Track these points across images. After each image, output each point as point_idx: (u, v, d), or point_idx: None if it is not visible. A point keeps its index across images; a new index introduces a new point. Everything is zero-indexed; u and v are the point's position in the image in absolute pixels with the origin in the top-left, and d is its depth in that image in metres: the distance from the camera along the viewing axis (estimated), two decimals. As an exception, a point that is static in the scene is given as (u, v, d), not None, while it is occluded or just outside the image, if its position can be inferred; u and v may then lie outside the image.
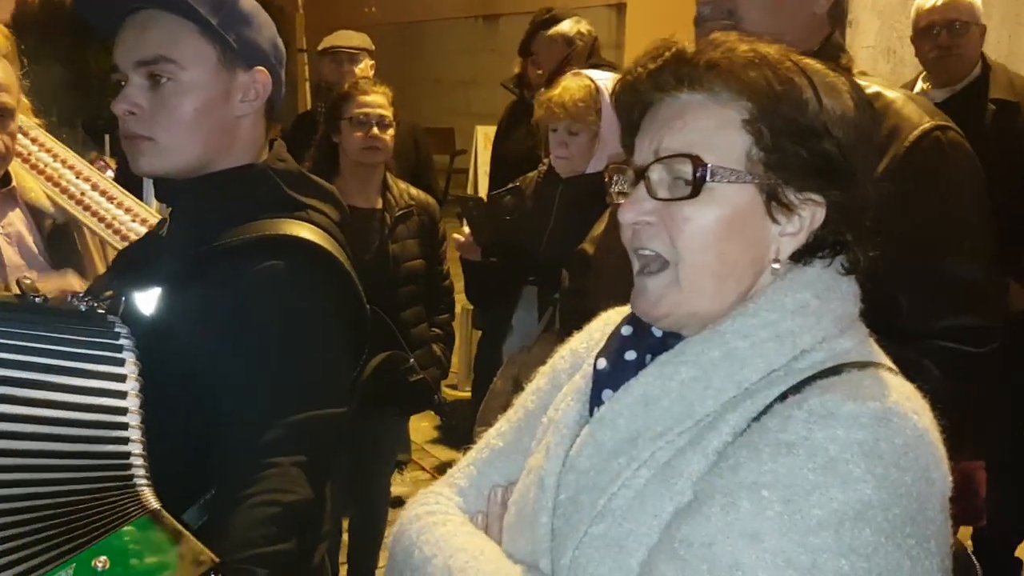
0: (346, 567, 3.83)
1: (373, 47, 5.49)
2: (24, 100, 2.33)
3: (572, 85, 3.26)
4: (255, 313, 1.51)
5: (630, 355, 1.29)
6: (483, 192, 6.89)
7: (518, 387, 3.14)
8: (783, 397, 1.13)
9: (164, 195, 1.75)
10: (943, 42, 3.89)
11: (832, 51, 1.92)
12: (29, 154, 2.40)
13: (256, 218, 1.59)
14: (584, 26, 5.29)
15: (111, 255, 2.38)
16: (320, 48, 5.50)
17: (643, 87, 1.26)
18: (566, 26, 5.27)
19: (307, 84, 8.74)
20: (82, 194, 2.38)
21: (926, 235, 1.77)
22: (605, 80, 3.24)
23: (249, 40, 1.65)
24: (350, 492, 3.67)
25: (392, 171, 3.84)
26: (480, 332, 4.25)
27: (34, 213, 2.31)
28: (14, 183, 2.28)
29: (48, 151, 2.44)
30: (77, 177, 2.41)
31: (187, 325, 1.50)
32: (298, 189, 1.68)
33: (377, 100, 3.69)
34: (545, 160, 3.50)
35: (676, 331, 1.26)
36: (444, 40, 15.37)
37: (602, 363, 1.30)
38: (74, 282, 2.22)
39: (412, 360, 1.89)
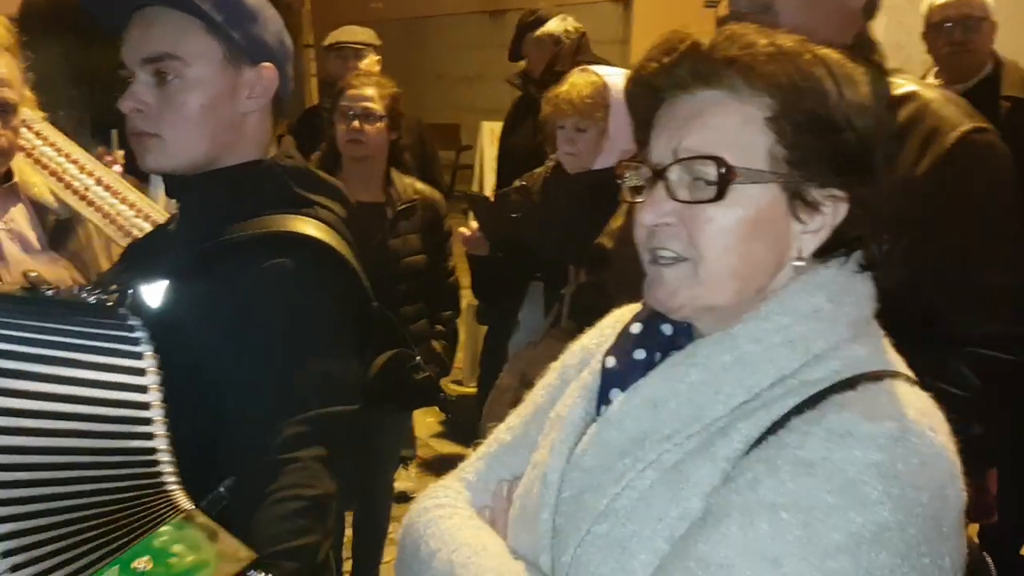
0: (350, 562, 3.83)
1: (379, 42, 5.48)
2: (28, 94, 2.32)
3: (579, 82, 3.25)
4: (264, 310, 1.50)
5: (639, 354, 1.28)
6: (489, 188, 6.88)
7: (524, 383, 3.15)
8: (799, 410, 1.12)
9: (172, 190, 1.75)
10: (957, 38, 3.86)
11: (865, 46, 1.89)
12: (33, 148, 2.39)
13: (262, 214, 1.59)
14: (570, 23, 5.28)
15: (115, 251, 2.37)
16: (326, 44, 5.50)
17: (658, 82, 1.23)
18: (552, 25, 5.28)
19: (313, 79, 8.72)
20: (86, 189, 2.38)
21: (965, 240, 1.75)
22: (613, 76, 3.23)
23: (255, 36, 1.64)
24: (354, 487, 3.67)
25: (403, 165, 3.82)
26: (485, 328, 4.24)
27: (37, 208, 2.30)
28: (16, 178, 2.27)
29: (52, 145, 2.43)
30: (81, 172, 2.40)
31: (193, 320, 1.50)
32: (305, 185, 1.68)
33: (364, 93, 3.66)
34: (552, 156, 3.49)
35: (689, 322, 1.25)
36: (450, 35, 15.35)
37: (611, 362, 1.29)
38: (64, 273, 2.21)
39: (419, 358, 1.88)
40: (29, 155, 2.37)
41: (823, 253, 1.20)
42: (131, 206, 2.41)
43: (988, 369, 1.72)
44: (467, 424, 5.09)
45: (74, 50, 3.26)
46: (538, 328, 3.38)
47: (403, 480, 4.93)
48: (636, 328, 1.31)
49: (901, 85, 1.86)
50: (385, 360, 1.77)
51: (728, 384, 1.16)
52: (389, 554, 3.99)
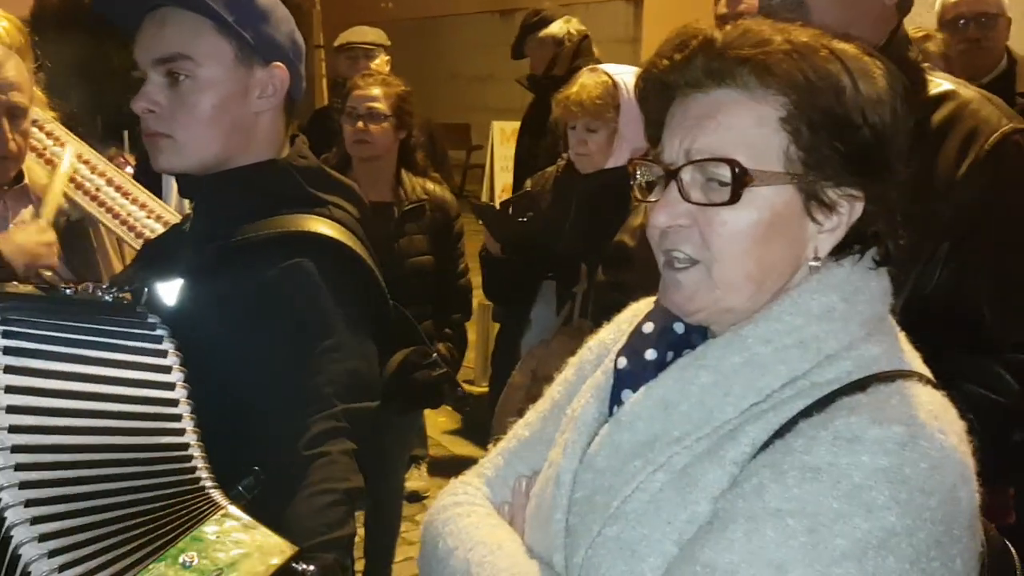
0: (363, 561, 3.83)
1: (389, 43, 5.49)
2: (39, 94, 2.32)
3: (589, 82, 3.24)
4: (286, 310, 1.52)
5: (650, 354, 1.27)
6: (500, 187, 6.89)
7: (536, 381, 3.15)
8: (807, 413, 1.11)
9: (186, 190, 1.76)
10: (971, 35, 3.84)
11: (900, 44, 1.87)
12: (44, 148, 2.39)
13: (277, 214, 1.60)
14: (574, 26, 5.27)
15: (127, 252, 2.37)
16: (336, 44, 5.51)
17: (670, 80, 1.21)
18: (555, 27, 5.29)
19: (324, 80, 8.73)
20: (97, 190, 2.38)
21: (1007, 243, 1.73)
22: (623, 75, 3.22)
23: (266, 36, 1.65)
24: (365, 487, 3.66)
25: (415, 165, 3.81)
26: (497, 327, 4.23)
27: (48, 210, 2.30)
28: (27, 180, 2.28)
29: (63, 146, 2.43)
30: (92, 172, 2.40)
31: (211, 318, 1.52)
32: (319, 185, 1.69)
33: (369, 93, 3.66)
34: (564, 155, 3.48)
35: (706, 326, 1.24)
36: (460, 35, 15.36)
37: (622, 362, 1.28)
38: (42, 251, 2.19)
39: (435, 355, 1.88)
40: (41, 155, 2.38)
41: (838, 251, 1.19)
42: (142, 207, 2.41)
43: None
44: (479, 423, 5.09)
45: (86, 50, 3.26)
46: (550, 327, 3.38)
47: (414, 480, 4.93)
48: (648, 327, 1.30)
49: (938, 84, 1.84)
50: (402, 358, 1.78)
51: (738, 386, 1.15)
52: (401, 554, 3.99)
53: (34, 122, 2.32)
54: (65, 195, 2.34)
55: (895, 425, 1.06)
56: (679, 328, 1.28)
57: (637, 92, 1.29)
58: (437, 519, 1.37)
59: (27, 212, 2.27)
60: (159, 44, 1.60)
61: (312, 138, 1.80)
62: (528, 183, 3.63)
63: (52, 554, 1.26)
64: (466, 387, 5.94)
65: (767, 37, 1.16)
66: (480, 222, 3.59)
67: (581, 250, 3.25)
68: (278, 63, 1.66)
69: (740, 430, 1.14)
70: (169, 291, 1.56)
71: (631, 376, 1.26)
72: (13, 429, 1.32)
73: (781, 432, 1.11)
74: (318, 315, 1.53)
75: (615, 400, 1.27)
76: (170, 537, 1.29)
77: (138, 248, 2.19)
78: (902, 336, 1.23)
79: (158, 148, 1.63)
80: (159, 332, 1.48)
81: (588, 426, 1.28)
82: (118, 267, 2.31)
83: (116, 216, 2.36)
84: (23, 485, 1.29)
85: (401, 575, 4.01)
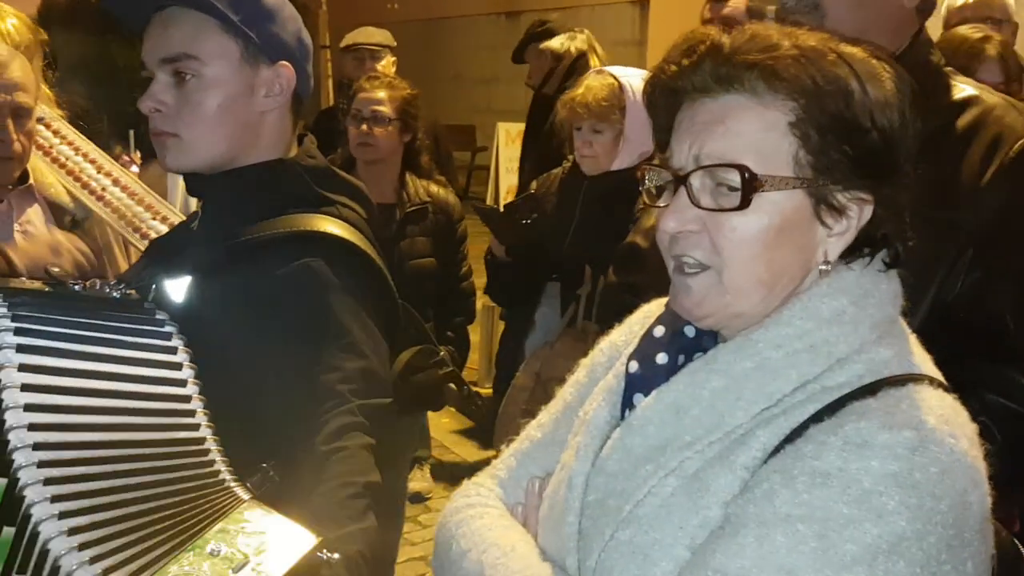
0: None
1: (395, 44, 5.49)
2: (47, 91, 2.32)
3: (595, 84, 3.25)
4: (300, 309, 1.53)
5: (661, 358, 1.27)
6: (505, 189, 6.89)
7: (540, 383, 3.15)
8: (818, 417, 1.11)
9: (194, 189, 1.76)
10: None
11: (922, 49, 1.85)
12: (51, 147, 2.40)
13: (285, 213, 1.61)
14: (576, 44, 5.25)
15: (132, 251, 2.37)
16: (342, 45, 5.52)
17: (678, 85, 1.21)
18: (556, 42, 5.28)
19: (330, 81, 8.74)
20: (103, 189, 2.38)
21: None
22: (629, 77, 3.22)
23: (272, 35, 1.65)
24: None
25: (420, 168, 3.81)
26: (502, 328, 4.23)
27: (53, 209, 2.30)
28: (32, 179, 2.28)
29: (70, 144, 2.43)
30: (98, 172, 2.40)
31: (221, 315, 1.52)
32: (326, 185, 1.69)
33: (374, 96, 3.66)
34: (569, 157, 3.49)
35: (716, 330, 1.24)
36: (466, 37, 15.38)
37: (633, 366, 1.29)
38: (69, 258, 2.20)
39: (443, 353, 1.89)
40: (47, 153, 2.38)
41: (848, 254, 1.19)
42: (148, 207, 2.41)
43: None
44: (483, 425, 5.08)
45: (92, 49, 3.27)
46: (554, 329, 3.38)
47: (417, 481, 4.93)
48: (659, 331, 1.30)
49: (962, 89, 1.83)
50: (408, 357, 1.79)
51: (749, 391, 1.15)
52: (404, 554, 3.98)
53: (40, 120, 2.32)
54: (70, 194, 2.34)
55: (905, 430, 1.06)
56: (690, 332, 1.28)
57: (645, 98, 1.29)
58: (451, 521, 1.37)
59: (32, 211, 2.27)
60: (165, 44, 1.61)
61: (317, 138, 1.81)
62: (533, 185, 3.63)
63: (82, 547, 1.27)
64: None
65: (775, 42, 1.16)
66: (485, 224, 3.59)
67: (585, 252, 3.26)
68: (284, 62, 1.66)
69: (751, 435, 1.14)
70: (177, 288, 1.56)
71: (642, 380, 1.27)
72: (33, 427, 1.32)
73: (792, 437, 1.11)
74: (331, 314, 1.53)
75: (627, 404, 1.27)
76: (195, 529, 1.30)
77: (144, 249, 2.19)
78: (913, 339, 1.23)
79: (165, 147, 1.64)
80: (168, 329, 1.49)
81: (600, 429, 1.29)
82: (124, 268, 2.31)
83: (121, 216, 2.36)
84: (47, 482, 1.29)
85: (403, 575, 4.01)
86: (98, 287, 1.55)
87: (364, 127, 3.61)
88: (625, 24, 11.79)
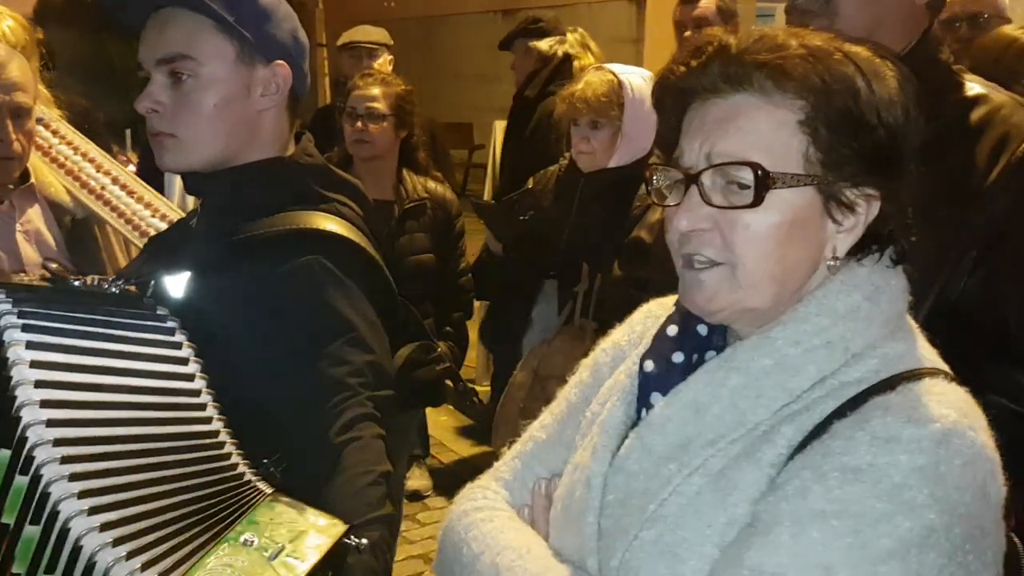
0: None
1: (392, 42, 5.49)
2: (45, 92, 2.32)
3: (594, 80, 3.25)
4: (304, 306, 1.54)
5: (677, 357, 1.28)
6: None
7: (538, 380, 3.15)
8: (840, 413, 1.12)
9: (192, 187, 1.77)
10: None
11: (931, 46, 1.85)
12: (50, 147, 2.40)
13: (284, 210, 1.62)
14: (564, 48, 5.21)
15: (132, 250, 2.38)
16: (339, 43, 5.51)
17: (686, 85, 1.22)
18: (545, 43, 5.24)
19: (327, 79, 8.73)
20: (102, 188, 2.38)
21: None
22: (628, 75, 3.22)
23: (268, 34, 1.66)
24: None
25: (417, 164, 3.82)
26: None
27: (53, 209, 2.31)
28: (32, 179, 2.28)
29: (69, 144, 2.44)
30: (97, 171, 2.41)
31: (221, 312, 1.53)
32: (324, 183, 1.71)
33: (368, 93, 3.66)
34: (567, 154, 3.49)
35: (728, 324, 1.26)
36: (463, 35, 15.36)
37: (649, 365, 1.30)
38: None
39: (441, 349, 1.89)
40: (46, 153, 2.38)
41: (856, 251, 1.21)
42: (147, 206, 2.42)
43: None
44: (481, 422, 5.08)
45: (88, 49, 3.27)
46: (552, 326, 3.38)
47: (415, 479, 4.93)
48: (672, 330, 1.31)
49: (971, 87, 1.83)
50: (407, 353, 1.80)
51: (769, 388, 1.17)
52: (402, 552, 3.99)
53: (39, 120, 2.32)
54: (70, 194, 2.34)
55: (930, 424, 1.08)
56: (703, 330, 1.29)
57: (654, 99, 1.30)
58: (458, 524, 1.37)
59: (33, 211, 2.27)
60: (162, 44, 1.62)
61: (315, 137, 1.82)
62: (530, 181, 3.64)
63: (116, 542, 1.27)
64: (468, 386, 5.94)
65: (782, 42, 1.18)
66: (481, 220, 3.59)
67: (583, 249, 3.26)
68: (281, 61, 1.67)
69: (774, 431, 1.15)
70: (176, 284, 1.57)
71: (659, 379, 1.28)
72: (51, 423, 1.32)
73: (816, 433, 1.13)
74: (336, 310, 1.55)
75: (643, 403, 1.28)
76: (225, 522, 1.32)
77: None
78: (919, 334, 1.24)
79: (163, 147, 1.65)
80: (170, 324, 1.50)
81: (616, 429, 1.30)
82: (124, 265, 2.31)
83: (121, 215, 2.36)
84: (72, 477, 1.29)
85: (401, 574, 4.01)
86: (97, 283, 1.55)
87: (359, 124, 3.62)
88: (622, 21, 11.78)
